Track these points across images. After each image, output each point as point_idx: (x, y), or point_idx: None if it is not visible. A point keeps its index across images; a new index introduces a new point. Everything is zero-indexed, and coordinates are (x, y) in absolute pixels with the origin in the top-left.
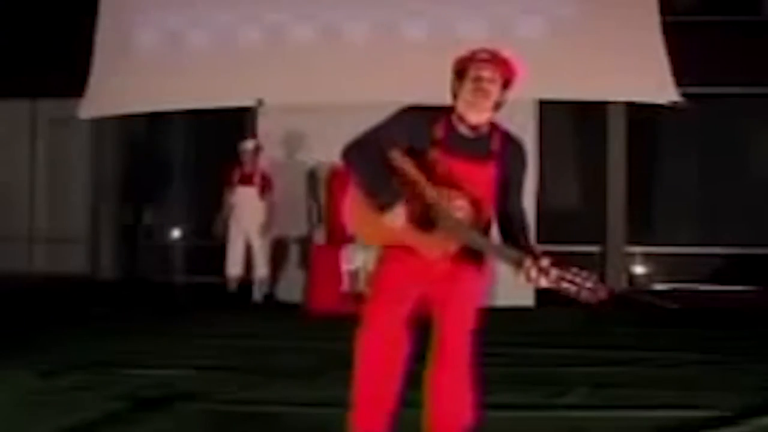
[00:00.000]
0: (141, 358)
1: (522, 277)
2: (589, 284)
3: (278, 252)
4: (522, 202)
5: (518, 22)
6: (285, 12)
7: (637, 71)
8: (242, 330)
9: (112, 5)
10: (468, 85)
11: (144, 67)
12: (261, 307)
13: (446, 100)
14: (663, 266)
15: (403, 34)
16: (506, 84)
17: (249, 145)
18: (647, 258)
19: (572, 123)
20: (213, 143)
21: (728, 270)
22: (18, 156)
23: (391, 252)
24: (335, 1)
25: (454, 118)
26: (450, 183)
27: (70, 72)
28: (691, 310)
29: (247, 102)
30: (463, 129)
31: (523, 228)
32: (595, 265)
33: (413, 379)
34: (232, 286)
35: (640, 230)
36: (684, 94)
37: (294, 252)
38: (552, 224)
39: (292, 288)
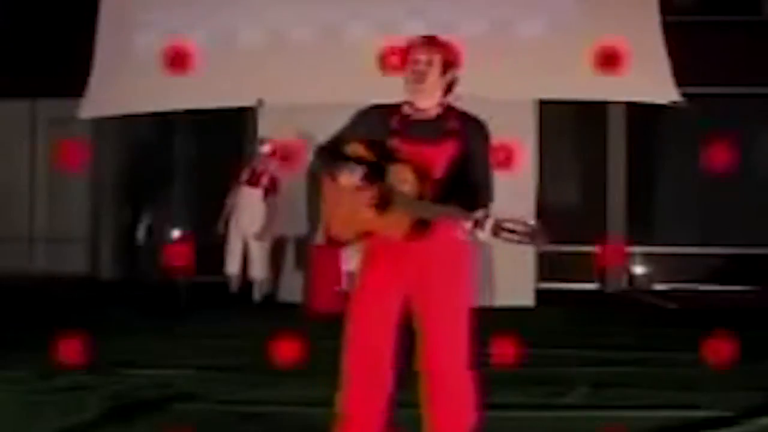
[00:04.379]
0: (141, 358)
1: (464, 231)
2: (527, 231)
3: (278, 252)
4: (488, 177)
5: (518, 22)
6: (285, 12)
7: (637, 71)
8: (242, 330)
9: (112, 5)
10: (407, 71)
11: (144, 67)
12: (261, 307)
13: (448, 97)
14: (663, 266)
15: (403, 33)
16: (447, 66)
17: (266, 147)
18: (647, 258)
19: (572, 123)
20: (213, 143)
21: (728, 270)
22: (18, 156)
23: (366, 250)
24: (335, 1)
25: (405, 106)
26: (397, 161)
27: (70, 72)
28: (691, 310)
29: (247, 102)
30: (415, 114)
31: (478, 196)
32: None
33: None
34: (233, 284)
35: (640, 230)
36: (684, 94)
37: (294, 252)
38: (552, 224)
39: (292, 288)
